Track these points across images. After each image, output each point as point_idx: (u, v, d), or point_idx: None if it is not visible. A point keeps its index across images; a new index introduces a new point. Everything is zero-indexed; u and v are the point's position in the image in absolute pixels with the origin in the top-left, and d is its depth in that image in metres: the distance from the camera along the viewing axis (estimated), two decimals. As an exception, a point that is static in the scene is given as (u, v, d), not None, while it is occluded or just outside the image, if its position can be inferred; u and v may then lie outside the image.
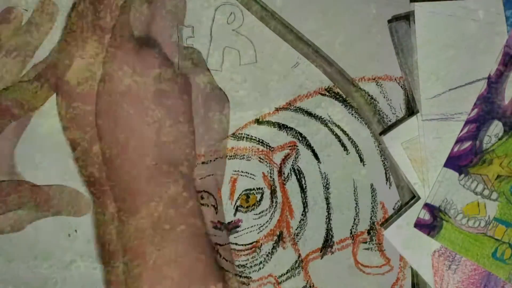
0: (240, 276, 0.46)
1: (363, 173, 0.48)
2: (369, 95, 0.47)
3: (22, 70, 0.44)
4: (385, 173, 0.48)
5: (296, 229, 0.47)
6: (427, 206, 0.46)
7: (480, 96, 0.45)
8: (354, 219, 0.48)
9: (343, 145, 0.48)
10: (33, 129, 0.46)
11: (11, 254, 0.46)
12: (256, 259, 0.47)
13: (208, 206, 0.44)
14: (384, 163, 0.48)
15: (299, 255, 0.47)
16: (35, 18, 0.45)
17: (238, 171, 0.46)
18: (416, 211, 0.46)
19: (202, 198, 0.44)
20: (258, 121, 0.47)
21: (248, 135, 0.47)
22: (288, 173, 0.47)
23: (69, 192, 0.45)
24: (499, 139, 0.45)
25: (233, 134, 0.47)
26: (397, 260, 0.48)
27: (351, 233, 0.48)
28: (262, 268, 0.47)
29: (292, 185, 0.47)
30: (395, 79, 0.48)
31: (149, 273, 0.38)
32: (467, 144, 0.45)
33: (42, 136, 0.46)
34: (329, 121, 0.47)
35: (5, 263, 0.46)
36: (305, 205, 0.47)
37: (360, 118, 0.47)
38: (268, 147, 0.47)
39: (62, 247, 0.46)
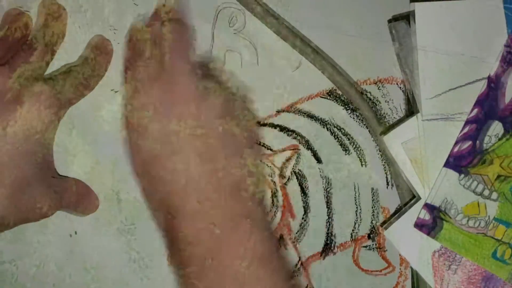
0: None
1: (365, 176, 0.48)
2: (370, 98, 0.47)
3: (42, 64, 0.44)
4: (386, 176, 0.48)
5: (296, 232, 0.47)
6: (427, 206, 0.46)
7: (480, 96, 0.45)
8: (355, 223, 0.48)
9: (344, 147, 0.48)
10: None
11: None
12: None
13: None
14: (385, 166, 0.48)
15: (299, 258, 0.47)
16: (45, 21, 0.45)
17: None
18: (416, 211, 0.46)
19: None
20: (259, 124, 0.47)
21: (249, 137, 0.47)
22: (289, 176, 0.47)
23: (83, 186, 0.46)
24: (499, 139, 0.45)
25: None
26: (397, 263, 0.48)
27: (351, 236, 0.48)
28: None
29: (293, 188, 0.47)
30: (396, 82, 0.48)
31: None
32: (467, 144, 0.45)
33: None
34: (330, 123, 0.48)
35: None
36: (306, 208, 0.47)
37: (361, 120, 0.48)
38: (269, 149, 0.47)
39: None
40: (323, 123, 0.47)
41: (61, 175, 0.45)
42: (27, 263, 0.45)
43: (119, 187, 0.46)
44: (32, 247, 0.45)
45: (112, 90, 0.46)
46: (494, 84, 0.45)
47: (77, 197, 0.45)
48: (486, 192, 0.45)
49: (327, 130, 0.48)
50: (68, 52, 0.45)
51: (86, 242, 0.46)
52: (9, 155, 0.40)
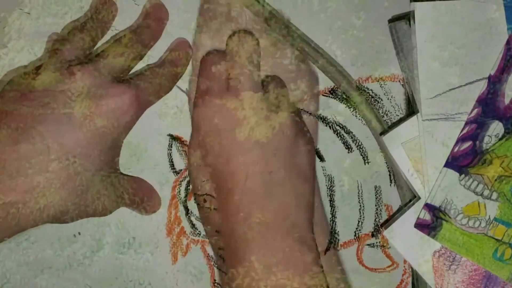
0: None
1: (367, 174, 0.48)
2: (371, 96, 0.47)
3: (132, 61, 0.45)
4: (389, 174, 0.48)
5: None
6: (427, 206, 0.46)
7: (481, 96, 0.45)
8: (358, 221, 0.48)
9: (347, 145, 0.48)
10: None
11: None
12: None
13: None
14: (388, 163, 0.48)
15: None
16: (146, 18, 0.46)
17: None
18: (416, 211, 0.46)
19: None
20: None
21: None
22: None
23: (147, 186, 0.46)
24: (499, 139, 0.45)
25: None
26: (401, 260, 0.48)
27: (355, 234, 0.48)
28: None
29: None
30: (398, 80, 0.48)
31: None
32: (467, 144, 0.45)
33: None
34: (333, 121, 0.48)
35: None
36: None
37: (363, 119, 0.48)
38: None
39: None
40: (326, 121, 0.48)
41: (126, 174, 0.46)
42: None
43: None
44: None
45: None
46: (494, 84, 0.45)
47: (141, 197, 0.46)
48: (486, 192, 0.45)
49: (330, 128, 0.48)
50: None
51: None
52: (81, 153, 0.41)
